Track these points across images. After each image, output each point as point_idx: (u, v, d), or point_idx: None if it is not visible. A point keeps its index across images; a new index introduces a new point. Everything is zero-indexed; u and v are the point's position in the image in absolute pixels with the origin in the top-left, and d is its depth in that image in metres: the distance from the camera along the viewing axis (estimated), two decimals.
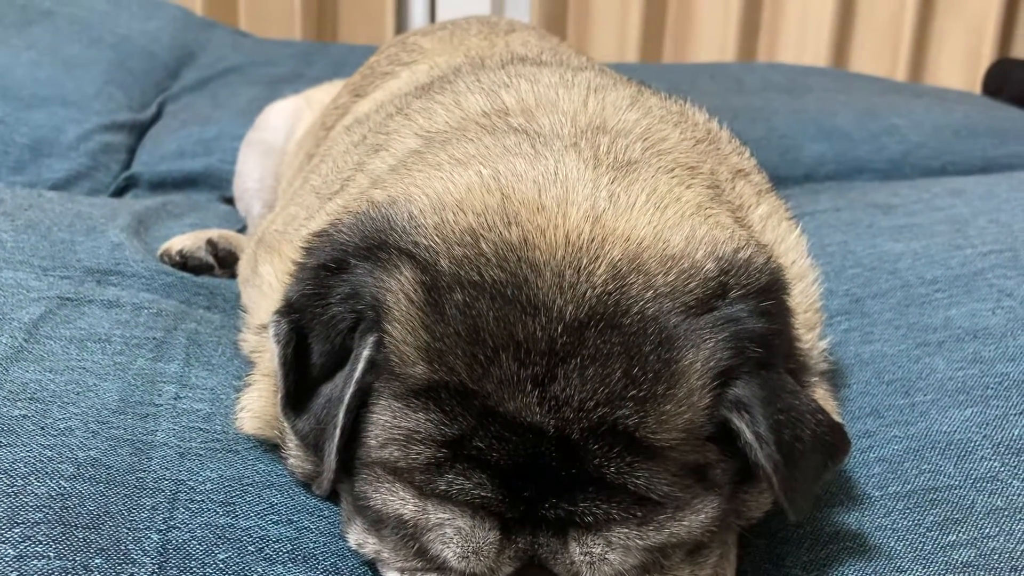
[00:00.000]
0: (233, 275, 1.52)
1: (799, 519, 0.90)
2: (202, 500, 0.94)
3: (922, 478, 1.07)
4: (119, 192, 2.21)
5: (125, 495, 0.93)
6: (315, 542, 0.94)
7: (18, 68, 2.34)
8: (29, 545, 0.86)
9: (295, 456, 0.98)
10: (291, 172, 1.67)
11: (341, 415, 0.86)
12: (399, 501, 0.86)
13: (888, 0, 3.63)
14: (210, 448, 1.02)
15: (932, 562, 0.97)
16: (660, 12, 3.71)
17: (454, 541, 0.84)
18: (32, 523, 0.88)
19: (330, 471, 0.88)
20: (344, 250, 0.91)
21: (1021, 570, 0.94)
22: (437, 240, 0.88)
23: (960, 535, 0.99)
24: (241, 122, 2.22)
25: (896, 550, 0.99)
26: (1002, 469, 1.05)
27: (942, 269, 1.44)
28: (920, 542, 1.00)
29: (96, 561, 0.86)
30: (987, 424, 1.11)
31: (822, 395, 1.06)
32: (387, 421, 0.86)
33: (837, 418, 1.04)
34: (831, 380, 1.18)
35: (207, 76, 2.74)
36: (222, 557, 0.89)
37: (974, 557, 0.97)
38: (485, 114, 1.10)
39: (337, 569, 0.93)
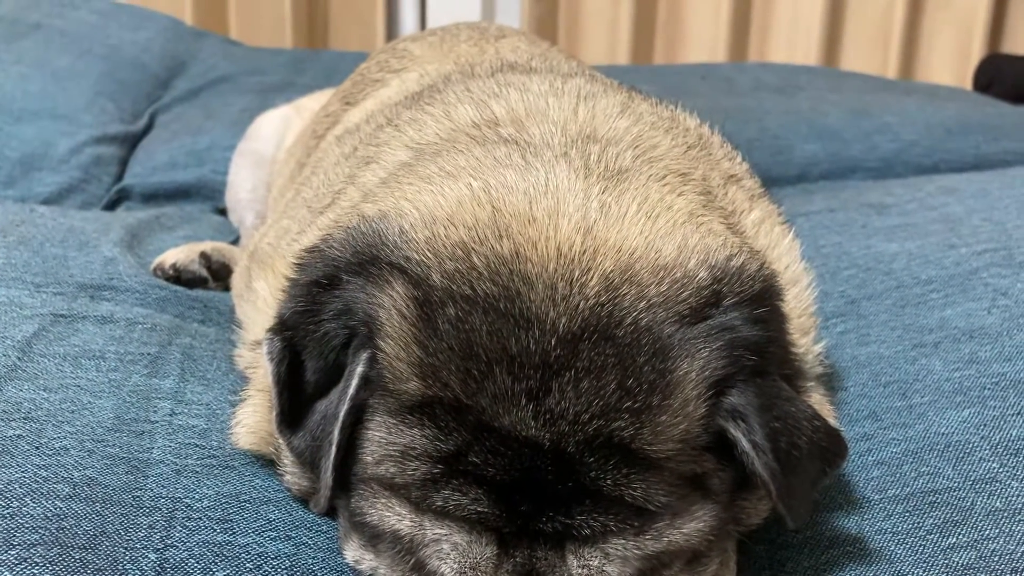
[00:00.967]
0: (227, 288, 1.51)
1: (798, 526, 0.90)
2: (199, 518, 0.94)
3: (921, 481, 1.07)
4: (111, 205, 2.20)
5: (121, 514, 0.92)
6: (313, 558, 0.94)
7: (7, 82, 2.33)
8: (25, 567, 0.85)
9: (291, 473, 0.98)
10: (281, 181, 1.66)
11: (336, 432, 0.86)
12: (395, 517, 0.85)
13: None
14: (206, 465, 1.01)
15: (932, 565, 0.97)
16: (650, 13, 3.71)
17: (451, 557, 0.84)
18: (28, 544, 0.87)
19: (327, 488, 0.88)
20: (336, 266, 0.91)
21: (1022, 572, 0.94)
22: (429, 255, 0.87)
23: (960, 537, 0.99)
24: (233, 132, 2.21)
25: (896, 554, 0.99)
26: (1001, 470, 1.05)
27: (937, 269, 1.44)
28: (920, 545, 0.99)
29: None
30: (985, 425, 1.11)
31: (818, 400, 1.06)
32: (382, 437, 0.85)
33: (834, 423, 1.03)
34: (827, 384, 1.18)
35: (198, 86, 2.73)
36: (220, 575, 0.89)
37: (974, 559, 0.96)
38: (475, 125, 1.10)
39: None
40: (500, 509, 0.83)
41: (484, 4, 3.63)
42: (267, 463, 1.03)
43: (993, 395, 1.15)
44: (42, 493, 0.92)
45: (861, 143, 2.35)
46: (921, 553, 0.99)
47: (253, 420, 1.02)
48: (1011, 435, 1.09)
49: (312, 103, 1.89)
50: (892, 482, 1.07)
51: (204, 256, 1.60)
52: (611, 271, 0.86)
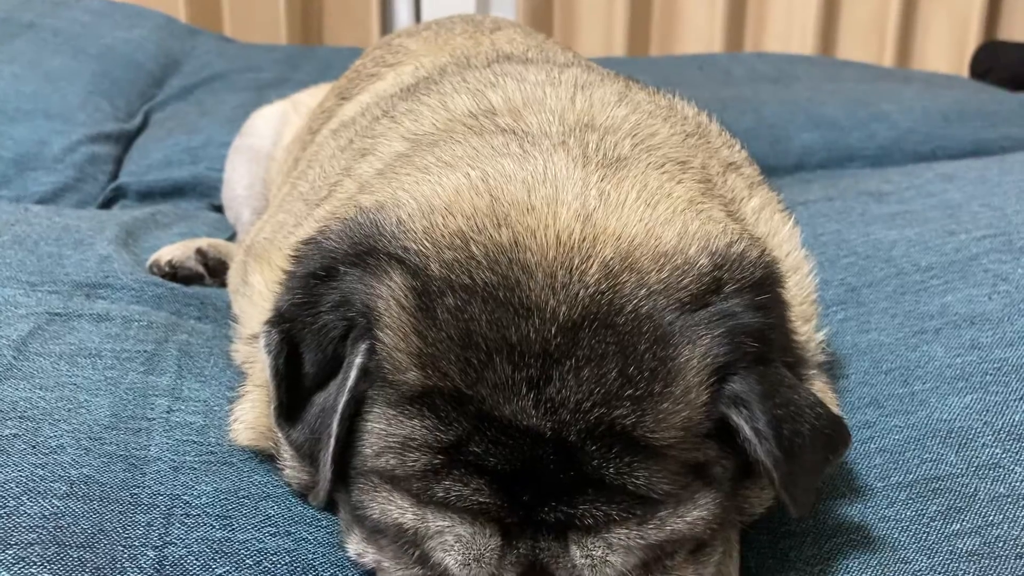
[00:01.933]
0: (224, 284, 1.50)
1: (801, 514, 0.90)
2: (198, 515, 0.93)
3: (924, 467, 1.06)
4: (107, 203, 2.19)
5: (120, 512, 0.91)
6: (313, 553, 0.93)
7: (0, 82, 2.32)
8: (23, 567, 0.85)
9: (291, 467, 0.97)
10: (280, 178, 1.66)
11: (335, 424, 0.85)
12: (397, 510, 0.85)
13: None
14: (205, 461, 1.00)
15: (936, 552, 0.97)
16: (646, 5, 3.70)
17: (455, 548, 0.83)
18: (26, 544, 0.86)
19: (326, 481, 0.87)
20: (333, 257, 0.90)
21: None
22: (427, 244, 0.87)
23: (964, 524, 0.98)
24: (228, 129, 2.20)
25: (900, 541, 0.99)
26: (1004, 456, 1.04)
27: (936, 255, 1.43)
28: (924, 532, 0.99)
29: None
30: (987, 411, 1.10)
31: (820, 387, 1.06)
32: (382, 429, 0.85)
33: (836, 410, 1.03)
34: (829, 372, 1.17)
35: (193, 83, 2.73)
36: (219, 572, 0.88)
37: (978, 545, 0.96)
38: (472, 115, 1.09)
39: None
40: (502, 499, 0.82)
41: None
42: (266, 459, 1.02)
43: (995, 381, 1.14)
44: (39, 492, 0.92)
45: (859, 131, 2.34)
46: (924, 540, 0.98)
47: (251, 416, 1.02)
48: (1014, 420, 1.08)
49: (308, 98, 1.88)
50: (895, 469, 1.07)
51: (200, 252, 1.60)
52: (611, 259, 0.85)
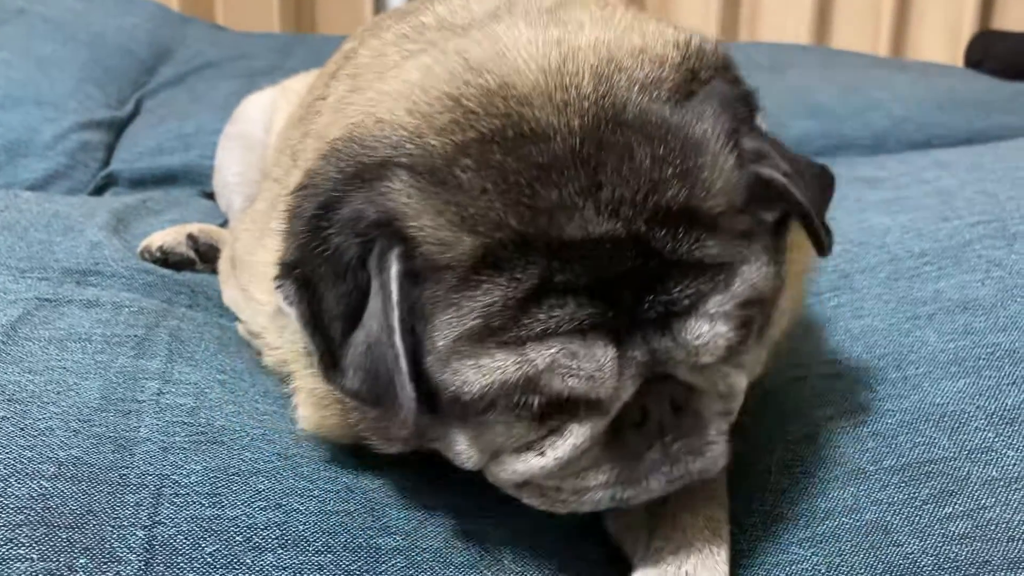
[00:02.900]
0: (215, 270, 1.50)
1: (829, 251, 0.95)
2: (187, 493, 0.93)
3: (917, 451, 1.06)
4: (98, 191, 2.18)
5: (108, 492, 0.91)
6: (304, 524, 0.93)
7: None
8: (11, 548, 0.84)
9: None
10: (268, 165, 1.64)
11: (398, 340, 0.81)
12: (497, 370, 0.81)
13: None
14: (194, 441, 1.00)
15: (929, 535, 0.97)
16: None
17: (572, 366, 0.81)
18: (14, 525, 0.86)
19: (410, 401, 0.81)
20: (327, 191, 0.87)
21: (1018, 540, 0.94)
22: (413, 123, 0.85)
23: (956, 507, 0.98)
24: (220, 116, 2.18)
25: (893, 524, 0.99)
26: (996, 439, 1.04)
27: (930, 242, 1.43)
28: (916, 515, 0.99)
29: (81, 561, 0.84)
30: (980, 395, 1.10)
31: None
32: (450, 318, 0.81)
33: None
34: None
35: (185, 71, 2.71)
36: (210, 550, 0.88)
37: (970, 528, 0.96)
38: (403, 35, 1.06)
39: (329, 548, 0.92)
40: (602, 309, 0.81)
41: None
42: (257, 436, 1.02)
43: (988, 365, 1.14)
44: (27, 474, 0.91)
45: (854, 120, 2.34)
46: (917, 523, 0.98)
47: (313, 419, 1.00)
48: (1006, 404, 1.08)
49: (297, 84, 1.86)
50: (888, 453, 1.07)
51: (191, 238, 1.59)
52: (596, 64, 0.86)
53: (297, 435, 1.04)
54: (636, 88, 0.85)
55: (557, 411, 0.85)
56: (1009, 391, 1.10)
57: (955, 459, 1.03)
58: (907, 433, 1.08)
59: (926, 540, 0.96)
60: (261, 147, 1.83)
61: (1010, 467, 1.01)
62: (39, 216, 1.55)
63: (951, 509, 0.98)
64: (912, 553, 0.96)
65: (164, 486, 0.93)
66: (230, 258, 1.33)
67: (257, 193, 1.43)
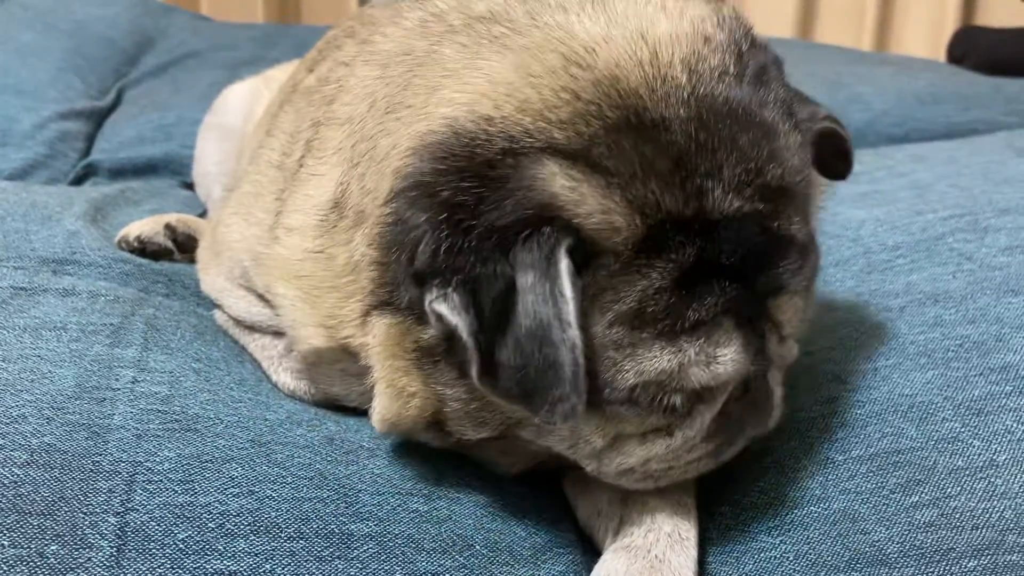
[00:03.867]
0: (193, 260, 1.50)
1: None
2: (160, 480, 0.93)
3: (885, 441, 1.07)
4: (78, 181, 2.17)
5: (81, 480, 0.91)
6: (277, 510, 0.93)
7: None
8: None
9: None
10: (248, 152, 1.64)
11: (574, 337, 0.80)
12: (651, 361, 0.85)
13: None
14: (168, 429, 1.00)
15: (895, 523, 0.98)
16: None
17: (717, 355, 0.86)
18: None
19: (582, 394, 0.81)
20: (448, 187, 0.84)
21: (982, 527, 0.95)
22: (529, 119, 0.85)
23: (923, 496, 1.00)
24: (201, 107, 2.18)
25: (860, 513, 1.00)
26: (963, 430, 1.05)
27: (904, 235, 1.44)
28: (883, 504, 1.00)
29: (52, 548, 0.85)
30: (948, 386, 1.11)
31: None
32: (609, 301, 0.83)
33: None
34: None
35: (167, 61, 2.71)
36: (182, 536, 0.88)
37: (936, 517, 0.97)
38: (424, 22, 1.04)
39: (301, 534, 0.92)
40: (737, 290, 0.86)
41: None
42: (236, 424, 1.02)
43: (957, 357, 1.15)
44: None
45: (833, 113, 2.35)
46: (884, 511, 0.99)
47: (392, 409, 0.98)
48: (973, 395, 1.09)
49: (280, 74, 1.86)
50: (856, 443, 1.08)
51: (169, 228, 1.59)
52: (684, 56, 0.89)
53: (373, 432, 1.04)
54: (716, 75, 0.89)
55: (696, 399, 0.90)
56: (976, 382, 1.11)
57: (922, 449, 1.05)
58: (876, 423, 1.10)
59: (892, 528, 0.97)
60: (241, 137, 1.83)
61: (975, 456, 1.02)
62: (16, 205, 1.55)
63: (917, 498, 0.99)
64: (879, 541, 0.97)
65: (137, 473, 0.93)
66: (211, 244, 1.33)
67: (239, 177, 1.42)
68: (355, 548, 0.93)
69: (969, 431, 1.05)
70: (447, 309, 0.83)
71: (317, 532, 0.93)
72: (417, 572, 0.93)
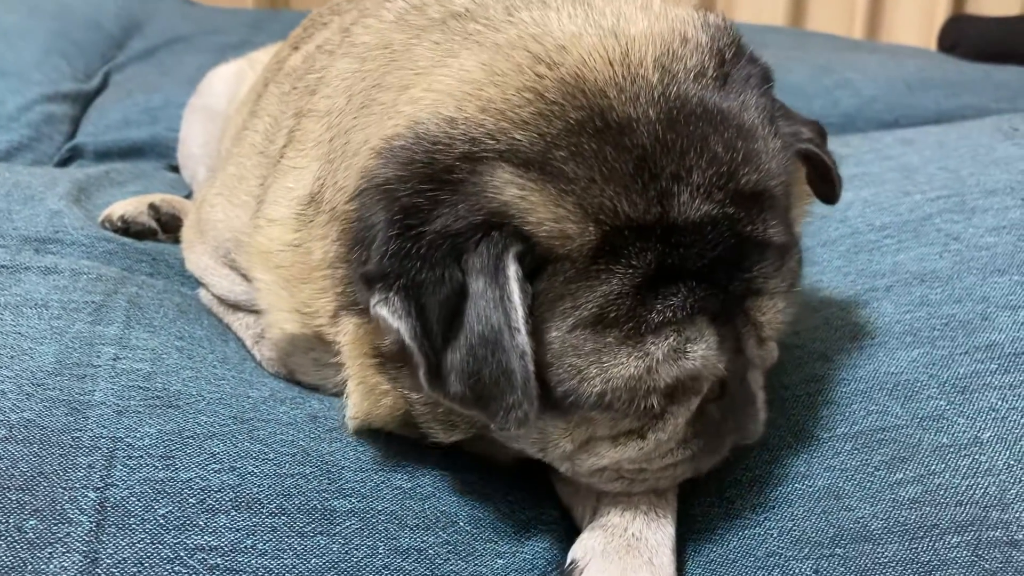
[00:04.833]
0: (177, 240, 1.49)
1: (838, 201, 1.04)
2: (140, 456, 0.92)
3: (870, 419, 1.07)
4: (63, 163, 2.16)
5: (60, 455, 0.91)
6: (259, 486, 0.93)
7: None
8: None
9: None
10: (232, 132, 1.63)
11: (522, 343, 0.79)
12: (617, 366, 0.82)
13: None
14: (149, 405, 0.99)
15: (880, 500, 0.98)
16: None
17: (687, 353, 0.84)
18: None
19: (532, 395, 0.80)
20: (406, 192, 0.83)
21: (965, 504, 0.95)
22: (491, 120, 0.83)
23: (907, 473, 1.00)
24: (187, 90, 2.16)
25: (844, 490, 1.00)
26: (947, 407, 1.05)
27: (891, 216, 1.44)
28: (868, 481, 1.00)
29: (31, 522, 0.84)
30: (933, 364, 1.11)
31: None
32: (569, 307, 0.81)
33: None
34: None
35: (154, 45, 2.69)
36: (162, 512, 0.88)
37: (920, 493, 0.97)
38: (402, 16, 1.03)
39: (283, 510, 0.92)
40: (705, 291, 0.84)
41: None
42: (214, 400, 1.02)
43: (942, 335, 1.15)
44: None
45: (823, 99, 2.35)
46: (869, 488, 0.99)
47: (363, 407, 0.98)
48: (958, 373, 1.09)
49: (265, 56, 1.85)
50: (841, 420, 1.08)
51: (153, 207, 1.58)
52: (657, 55, 0.87)
53: (347, 425, 1.02)
54: (691, 77, 0.87)
55: (668, 400, 0.87)
56: (961, 360, 1.11)
57: (907, 427, 1.05)
58: (861, 401, 1.10)
59: (877, 505, 0.97)
60: (225, 119, 1.82)
61: (960, 434, 1.02)
62: None
63: (902, 475, 1.00)
64: (863, 518, 0.97)
65: (117, 449, 0.93)
66: (196, 223, 1.32)
67: (224, 157, 1.41)
68: (338, 524, 0.93)
69: (954, 409, 1.05)
70: (388, 312, 0.82)
71: (299, 508, 0.92)
72: (400, 548, 0.92)
